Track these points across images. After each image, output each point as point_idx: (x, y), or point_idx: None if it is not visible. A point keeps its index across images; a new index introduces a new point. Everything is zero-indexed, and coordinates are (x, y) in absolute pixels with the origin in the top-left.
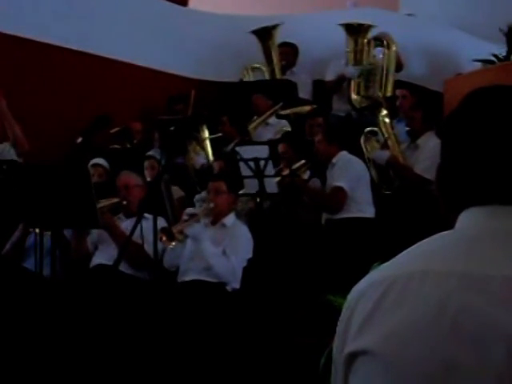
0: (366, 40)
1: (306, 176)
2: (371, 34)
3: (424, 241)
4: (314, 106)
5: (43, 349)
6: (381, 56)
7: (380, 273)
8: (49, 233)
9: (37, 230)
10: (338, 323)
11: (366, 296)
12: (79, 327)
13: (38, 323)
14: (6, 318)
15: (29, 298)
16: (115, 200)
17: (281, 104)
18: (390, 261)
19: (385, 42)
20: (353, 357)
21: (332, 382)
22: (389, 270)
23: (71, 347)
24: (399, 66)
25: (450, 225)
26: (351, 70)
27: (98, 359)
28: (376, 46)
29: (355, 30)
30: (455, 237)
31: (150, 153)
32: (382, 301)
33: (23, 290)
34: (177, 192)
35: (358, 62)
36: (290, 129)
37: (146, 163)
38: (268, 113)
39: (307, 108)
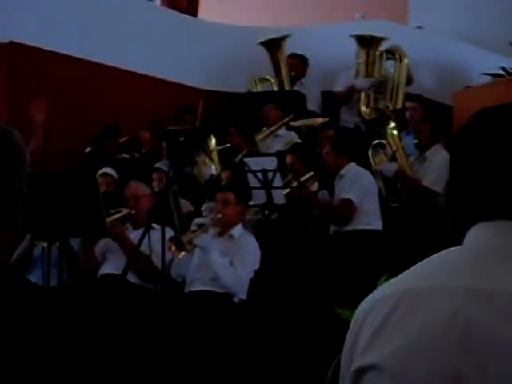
0: (377, 52)
1: (314, 188)
2: (382, 46)
3: (432, 256)
4: (326, 119)
5: (51, 357)
6: (392, 69)
7: (388, 288)
8: (56, 244)
9: (44, 245)
10: (346, 338)
11: (375, 311)
12: (85, 336)
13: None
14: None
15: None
16: (126, 211)
17: (291, 116)
18: (399, 276)
19: (397, 55)
20: (361, 372)
21: None
22: (397, 285)
23: (77, 356)
24: (409, 80)
25: (458, 239)
26: (362, 82)
27: (104, 368)
28: (387, 58)
29: (367, 42)
30: (463, 252)
31: (158, 165)
32: (391, 316)
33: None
34: (186, 206)
35: (369, 73)
36: (299, 140)
37: (154, 175)
38: (278, 124)
39: (319, 120)
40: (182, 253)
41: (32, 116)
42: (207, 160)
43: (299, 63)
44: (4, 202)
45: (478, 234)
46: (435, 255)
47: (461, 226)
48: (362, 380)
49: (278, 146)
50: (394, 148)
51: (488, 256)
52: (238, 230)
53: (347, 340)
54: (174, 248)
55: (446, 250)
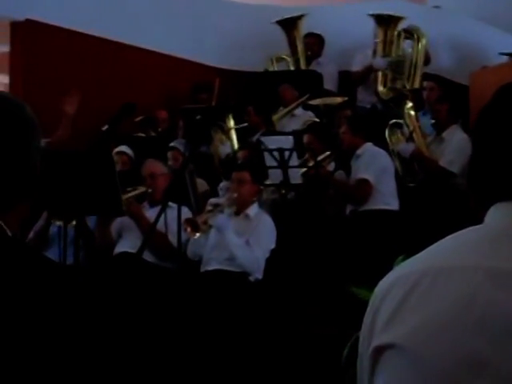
0: (395, 32)
1: (330, 168)
2: (401, 26)
3: (452, 235)
4: (346, 98)
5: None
6: (409, 49)
7: (407, 267)
8: (72, 222)
9: (60, 223)
10: (365, 317)
11: (394, 290)
12: (101, 314)
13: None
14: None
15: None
16: (142, 189)
17: (308, 95)
18: (418, 255)
19: (415, 35)
20: (380, 351)
21: (358, 375)
22: (416, 264)
23: (93, 334)
24: (427, 60)
25: (475, 219)
26: (380, 62)
27: (120, 346)
28: (405, 38)
29: (386, 21)
30: (483, 232)
31: (173, 144)
32: (410, 295)
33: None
34: (202, 185)
35: (386, 53)
36: (316, 119)
37: (169, 154)
38: (294, 104)
39: (338, 99)
40: (198, 234)
41: (64, 108)
42: (224, 139)
43: (316, 42)
44: (22, 177)
45: (498, 213)
46: (454, 234)
47: (482, 205)
48: (380, 359)
49: (294, 125)
50: (411, 128)
51: (509, 235)
52: (253, 210)
53: (366, 319)
54: (189, 229)
55: (465, 230)
